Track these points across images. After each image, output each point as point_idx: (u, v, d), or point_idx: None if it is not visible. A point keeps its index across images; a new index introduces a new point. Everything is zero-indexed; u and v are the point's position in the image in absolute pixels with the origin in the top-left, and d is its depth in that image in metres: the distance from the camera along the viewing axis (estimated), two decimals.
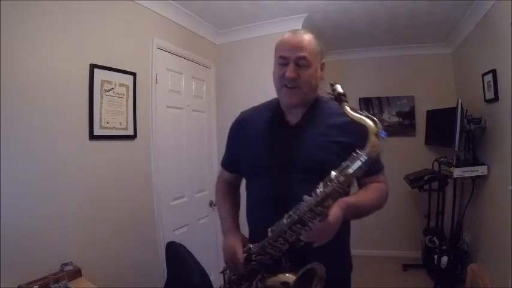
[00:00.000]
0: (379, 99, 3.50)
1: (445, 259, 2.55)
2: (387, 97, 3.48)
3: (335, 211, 0.77)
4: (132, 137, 1.86)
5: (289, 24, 2.56)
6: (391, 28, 2.82)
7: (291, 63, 0.92)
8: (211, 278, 1.37)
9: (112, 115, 1.71)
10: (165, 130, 2.14)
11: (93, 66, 1.60)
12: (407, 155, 3.32)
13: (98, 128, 1.62)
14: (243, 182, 1.15)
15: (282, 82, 0.95)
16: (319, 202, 0.76)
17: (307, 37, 0.95)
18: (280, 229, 0.83)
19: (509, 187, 1.86)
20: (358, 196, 0.92)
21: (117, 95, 1.74)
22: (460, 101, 2.35)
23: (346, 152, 0.82)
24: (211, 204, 2.67)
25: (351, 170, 0.75)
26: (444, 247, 2.64)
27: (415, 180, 2.84)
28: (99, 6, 1.65)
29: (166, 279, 1.67)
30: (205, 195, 2.61)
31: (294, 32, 0.98)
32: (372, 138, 0.74)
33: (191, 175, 2.42)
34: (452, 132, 2.35)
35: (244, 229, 1.08)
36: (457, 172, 2.34)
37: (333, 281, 0.86)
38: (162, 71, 2.13)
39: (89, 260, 1.49)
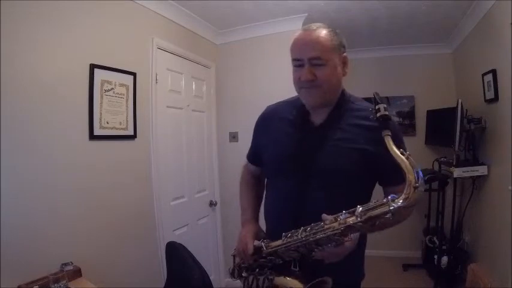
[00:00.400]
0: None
1: (445, 259, 2.55)
2: (387, 97, 3.47)
3: (354, 239, 0.77)
4: (132, 137, 1.86)
5: (289, 24, 2.56)
6: (391, 28, 2.82)
7: (306, 64, 0.87)
8: (211, 278, 1.37)
9: (112, 115, 1.71)
10: (165, 130, 2.14)
11: (93, 66, 1.59)
12: None
13: (98, 128, 1.62)
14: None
15: (299, 85, 0.91)
16: (340, 233, 0.73)
17: (319, 33, 0.87)
18: (294, 240, 0.81)
19: (509, 187, 1.86)
20: None
21: (117, 95, 1.74)
22: (460, 101, 2.35)
23: (367, 161, 0.79)
24: (211, 204, 2.67)
25: (373, 214, 0.70)
26: (444, 247, 2.64)
27: None
28: (99, 6, 1.65)
29: (166, 279, 1.67)
30: (205, 195, 2.62)
31: (306, 29, 0.91)
32: (410, 191, 0.67)
33: (191, 175, 2.42)
34: (452, 132, 2.35)
35: (262, 222, 1.09)
36: (457, 172, 2.34)
37: None
38: (162, 71, 2.13)
39: (89, 260, 1.49)
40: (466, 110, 2.45)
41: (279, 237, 0.86)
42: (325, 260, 0.79)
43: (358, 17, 2.57)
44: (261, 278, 0.92)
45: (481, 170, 2.27)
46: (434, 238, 2.85)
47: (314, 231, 0.77)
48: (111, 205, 1.69)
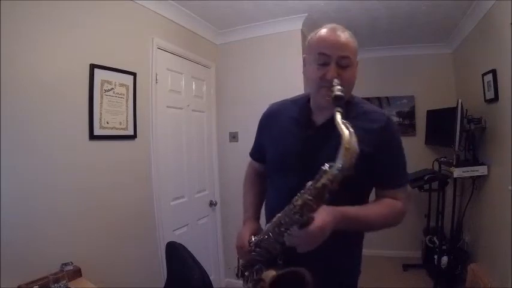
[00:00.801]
0: (379, 99, 3.50)
1: (445, 259, 2.55)
2: (387, 97, 3.48)
3: (320, 220, 0.73)
4: (132, 137, 1.86)
5: (289, 24, 2.56)
6: (391, 28, 2.82)
7: (332, 62, 0.84)
8: (211, 278, 1.37)
9: (112, 115, 1.71)
10: (165, 130, 2.14)
11: (93, 66, 1.60)
12: (407, 155, 3.29)
13: (98, 128, 1.62)
14: None
15: (321, 83, 0.85)
16: (297, 211, 0.72)
17: (348, 34, 0.87)
18: (271, 226, 0.82)
19: (509, 187, 1.86)
20: (362, 209, 0.86)
21: (117, 95, 1.74)
22: (460, 101, 2.35)
23: (367, 162, 0.79)
24: (211, 204, 2.67)
25: (318, 184, 0.70)
26: (444, 247, 2.64)
27: (415, 180, 2.84)
28: (99, 6, 1.65)
29: (166, 279, 1.67)
30: (205, 195, 2.62)
31: (333, 28, 0.88)
32: (343, 152, 0.68)
33: (191, 175, 2.42)
34: (452, 132, 2.35)
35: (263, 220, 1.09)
36: (457, 172, 2.34)
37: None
38: (162, 71, 2.13)
39: (89, 260, 1.49)
40: (466, 110, 2.45)
41: None
42: (297, 249, 0.77)
43: (358, 17, 2.57)
44: (252, 274, 0.93)
45: (481, 170, 2.27)
46: (434, 238, 2.85)
47: (283, 213, 0.77)
48: (111, 205, 1.69)
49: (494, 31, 2.09)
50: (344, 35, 0.86)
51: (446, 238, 2.76)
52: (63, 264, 1.36)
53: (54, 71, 1.43)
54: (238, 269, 1.04)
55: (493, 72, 2.11)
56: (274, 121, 1.05)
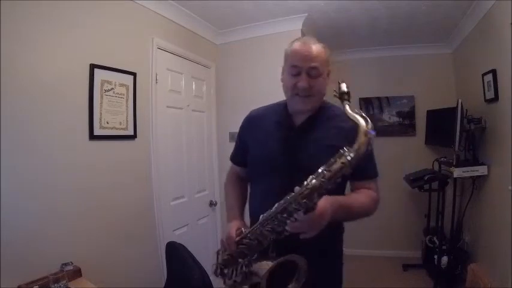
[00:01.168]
0: (379, 99, 3.50)
1: (445, 259, 2.55)
2: (387, 97, 3.48)
3: (323, 205, 0.78)
4: (132, 137, 1.86)
5: (289, 24, 2.56)
6: (391, 28, 2.82)
7: (303, 73, 0.96)
8: (211, 278, 1.37)
9: (112, 115, 1.71)
10: (165, 130, 2.14)
11: (93, 66, 1.60)
12: (407, 155, 3.32)
13: (98, 128, 1.62)
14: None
15: (294, 91, 0.98)
16: (306, 195, 0.76)
17: (318, 47, 0.98)
18: (269, 215, 0.84)
19: (509, 187, 1.86)
20: (350, 198, 0.95)
21: (117, 95, 1.74)
22: (460, 101, 2.35)
23: None
24: (211, 204, 2.67)
25: (335, 166, 0.74)
26: (444, 247, 2.64)
27: (415, 180, 2.84)
28: (99, 6, 1.65)
29: (166, 279, 1.67)
30: (205, 195, 2.62)
31: (305, 41, 0.99)
32: (361, 137, 0.74)
33: (191, 175, 2.42)
34: (452, 132, 2.35)
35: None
36: (457, 172, 2.34)
37: (324, 276, 0.92)
38: (162, 71, 2.13)
39: (89, 260, 1.49)
40: (466, 110, 2.45)
41: None
42: (301, 235, 0.79)
43: (358, 17, 2.57)
44: (239, 266, 0.94)
45: (481, 170, 2.27)
46: (434, 238, 2.84)
47: (285, 201, 0.80)
48: (111, 205, 1.69)
49: (494, 31, 2.09)
50: (315, 48, 0.97)
51: (446, 238, 2.76)
52: (63, 264, 1.36)
53: (54, 71, 1.43)
54: (216, 267, 1.05)
55: (493, 72, 2.10)
56: (256, 125, 1.13)
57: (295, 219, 0.78)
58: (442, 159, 2.79)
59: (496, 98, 2.11)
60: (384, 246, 3.38)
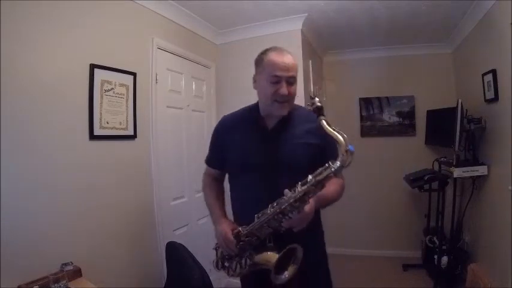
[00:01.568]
0: (379, 99, 3.50)
1: (445, 259, 2.55)
2: (387, 97, 3.47)
3: (311, 204, 0.95)
4: (132, 137, 1.86)
5: (289, 24, 2.56)
6: (391, 28, 2.82)
7: (283, 81, 1.06)
8: (211, 278, 1.37)
9: (112, 115, 1.71)
10: (165, 130, 2.14)
11: (93, 66, 1.60)
12: (407, 155, 3.32)
13: (98, 128, 1.62)
14: (227, 177, 1.31)
15: (273, 98, 1.08)
16: (299, 199, 0.92)
17: (292, 57, 1.10)
18: (266, 217, 0.98)
19: (509, 187, 1.86)
20: (325, 189, 1.06)
21: (117, 95, 1.74)
22: (460, 101, 2.35)
23: (313, 150, 1.06)
24: None
25: (322, 177, 0.90)
26: (444, 247, 2.64)
27: (415, 180, 2.84)
28: (99, 6, 1.65)
29: (166, 279, 1.67)
30: None
31: (280, 52, 1.10)
32: (343, 153, 0.87)
33: (191, 175, 2.42)
34: (452, 132, 2.35)
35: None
36: (457, 172, 2.34)
37: (311, 262, 1.07)
38: (162, 71, 2.13)
39: (89, 260, 1.49)
40: (466, 110, 2.45)
41: (251, 221, 1.03)
42: (294, 229, 0.96)
43: (358, 17, 2.57)
44: (243, 260, 1.08)
45: (481, 170, 2.27)
46: (434, 238, 2.84)
47: (279, 205, 0.95)
48: (111, 205, 1.69)
49: (494, 31, 2.09)
50: (291, 58, 1.10)
51: (446, 238, 2.76)
52: (63, 264, 1.36)
53: (54, 71, 1.43)
54: (217, 261, 1.19)
55: (493, 72, 2.10)
56: (232, 130, 1.22)
57: (290, 217, 0.94)
58: (442, 159, 2.79)
59: (496, 98, 2.11)
60: (384, 246, 3.37)
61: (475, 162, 2.36)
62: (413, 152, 3.33)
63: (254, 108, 1.21)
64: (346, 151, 0.87)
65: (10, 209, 1.22)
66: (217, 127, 1.29)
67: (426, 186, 2.83)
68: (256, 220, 1.01)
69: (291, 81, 1.08)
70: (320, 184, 0.91)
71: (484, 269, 2.25)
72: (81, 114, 1.56)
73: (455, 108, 2.34)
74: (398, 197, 3.35)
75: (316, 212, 1.21)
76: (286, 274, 0.99)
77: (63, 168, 1.46)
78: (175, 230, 2.21)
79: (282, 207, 0.94)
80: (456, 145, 2.33)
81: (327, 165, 0.90)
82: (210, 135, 1.32)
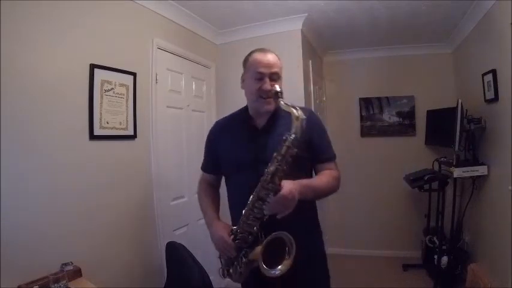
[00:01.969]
0: (379, 99, 3.50)
1: (445, 259, 2.55)
2: (387, 97, 3.47)
3: (287, 186, 0.95)
4: (132, 137, 1.86)
5: (289, 24, 2.56)
6: (391, 28, 2.82)
7: (266, 77, 1.11)
8: (211, 278, 1.37)
9: (112, 115, 1.71)
10: (165, 130, 2.14)
11: (93, 66, 1.59)
12: (407, 155, 3.32)
13: (98, 128, 1.62)
14: (222, 183, 1.34)
15: (258, 94, 1.12)
16: (270, 180, 0.96)
17: (275, 56, 1.16)
18: (248, 207, 1.01)
19: (509, 187, 1.86)
20: (314, 179, 1.14)
21: (117, 95, 1.74)
22: (460, 101, 2.35)
23: (302, 146, 1.04)
24: None
25: (283, 151, 0.95)
26: (444, 247, 2.64)
27: (415, 180, 2.84)
28: (99, 6, 1.65)
29: (166, 279, 1.67)
30: None
31: (263, 51, 1.16)
32: (295, 121, 0.95)
33: (191, 175, 2.41)
34: (452, 132, 2.35)
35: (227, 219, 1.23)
36: (457, 172, 2.34)
37: (307, 253, 1.08)
38: (162, 71, 2.13)
39: (89, 260, 1.49)
40: (466, 110, 2.45)
41: None
42: (277, 215, 0.96)
43: (358, 17, 2.57)
44: (239, 259, 1.07)
45: (481, 170, 2.27)
46: (434, 238, 2.84)
47: (256, 192, 0.99)
48: (111, 205, 1.69)
49: (494, 31, 2.09)
50: (274, 56, 1.15)
51: (446, 238, 2.76)
52: (63, 264, 1.36)
53: (54, 71, 1.43)
54: (223, 270, 1.20)
55: (493, 72, 2.11)
56: (224, 134, 1.26)
57: (268, 202, 0.96)
58: (442, 159, 2.79)
59: (496, 98, 2.11)
60: (384, 246, 3.37)
61: (475, 162, 2.36)
62: (413, 152, 3.33)
63: (244, 110, 1.25)
64: (297, 118, 0.94)
65: (10, 209, 1.22)
66: (210, 132, 1.33)
67: (426, 186, 2.83)
68: (242, 214, 1.04)
69: (274, 77, 1.12)
70: (284, 159, 0.95)
71: (484, 269, 2.25)
72: (81, 114, 1.56)
73: (455, 108, 2.34)
74: (398, 197, 3.35)
75: (313, 212, 1.24)
76: (279, 269, 0.98)
77: (63, 168, 1.46)
78: (175, 230, 2.20)
79: (258, 191, 0.98)
80: (456, 145, 2.33)
81: (283, 137, 0.96)
82: None
